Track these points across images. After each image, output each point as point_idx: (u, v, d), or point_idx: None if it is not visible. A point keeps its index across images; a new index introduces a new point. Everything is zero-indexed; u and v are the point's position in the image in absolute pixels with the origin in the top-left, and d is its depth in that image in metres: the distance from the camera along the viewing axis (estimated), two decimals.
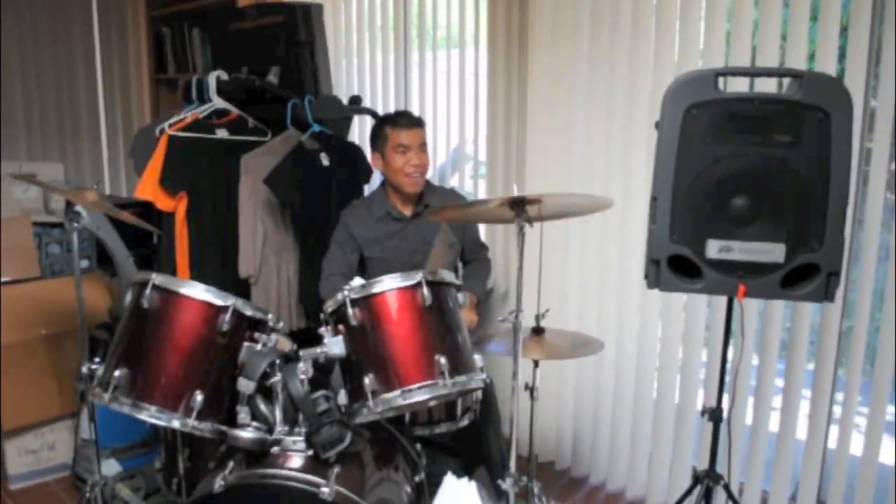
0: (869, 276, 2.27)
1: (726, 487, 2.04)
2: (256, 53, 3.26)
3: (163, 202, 2.92)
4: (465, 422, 2.22)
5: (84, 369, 2.02)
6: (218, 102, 3.07)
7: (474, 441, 2.49)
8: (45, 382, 3.01)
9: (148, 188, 2.90)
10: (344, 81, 3.73)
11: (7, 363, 2.91)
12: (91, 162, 4.50)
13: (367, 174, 3.20)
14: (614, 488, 2.91)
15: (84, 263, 3.50)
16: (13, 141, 4.14)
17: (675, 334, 2.67)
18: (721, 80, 1.79)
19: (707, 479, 2.02)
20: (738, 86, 2.17)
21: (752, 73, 2.12)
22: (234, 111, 3.12)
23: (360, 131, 3.58)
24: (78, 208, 2.73)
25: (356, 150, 3.19)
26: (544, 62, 2.84)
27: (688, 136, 1.79)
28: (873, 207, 2.24)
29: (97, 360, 1.99)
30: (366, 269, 2.67)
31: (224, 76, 3.11)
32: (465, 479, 1.63)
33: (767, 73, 2.12)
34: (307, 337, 2.12)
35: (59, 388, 3.04)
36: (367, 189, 3.20)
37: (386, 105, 3.61)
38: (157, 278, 1.82)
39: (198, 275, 2.94)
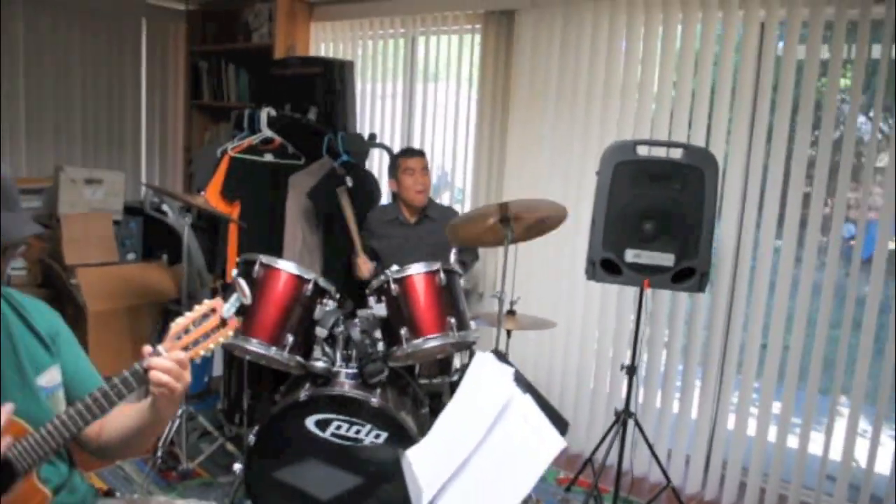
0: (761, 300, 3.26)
1: (635, 420, 3.00)
2: (297, 95, 4.16)
3: (221, 207, 3.79)
4: (455, 377, 3.15)
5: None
6: (267, 132, 3.95)
7: None
8: (123, 345, 3.83)
9: (211, 197, 3.77)
10: (368, 117, 4.64)
11: (94, 327, 3.73)
12: (132, 172, 5.29)
13: (378, 196, 4.11)
14: None
15: (131, 256, 4.34)
16: (72, 149, 4.94)
17: (610, 315, 3.65)
18: (638, 147, 2.78)
19: (623, 415, 2.98)
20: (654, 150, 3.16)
21: (656, 143, 3.09)
22: (278, 139, 4.00)
23: (378, 160, 4.50)
24: (164, 207, 3.60)
25: (372, 177, 4.12)
26: (522, 114, 3.83)
27: (616, 181, 2.78)
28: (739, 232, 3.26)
29: None
30: (377, 256, 3.58)
31: (273, 112, 3.99)
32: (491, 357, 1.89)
33: (666, 144, 3.11)
34: None
35: (134, 350, 3.87)
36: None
37: (394, 130, 4.56)
38: (262, 258, 2.72)
39: None
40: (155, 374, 1.45)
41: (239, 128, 4.06)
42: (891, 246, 3.00)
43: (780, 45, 3.16)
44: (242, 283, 1.65)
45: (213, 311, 1.52)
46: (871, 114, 3.03)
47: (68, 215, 3.90)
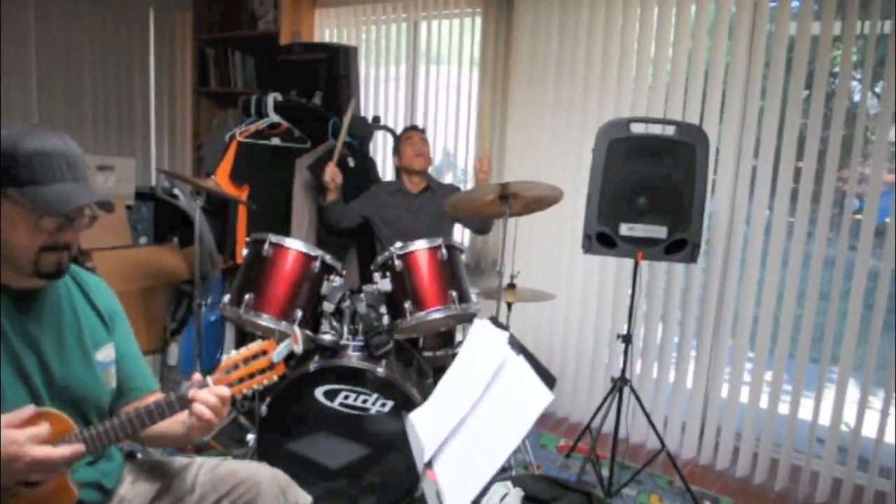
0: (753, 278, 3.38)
1: (630, 387, 3.12)
2: (302, 80, 4.27)
3: (231, 190, 3.91)
4: (458, 349, 3.27)
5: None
6: (274, 117, 4.06)
7: None
8: (138, 324, 3.97)
9: (221, 180, 3.89)
10: (372, 100, 4.75)
11: None
12: (142, 158, 5.43)
13: (375, 178, 4.23)
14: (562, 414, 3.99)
15: (143, 239, 4.47)
16: (83, 136, 5.07)
17: (608, 288, 3.77)
18: (632, 125, 2.88)
19: (619, 382, 3.10)
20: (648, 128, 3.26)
21: (649, 121, 3.18)
22: (285, 124, 4.11)
23: (382, 142, 4.61)
24: (175, 191, 3.71)
25: (371, 161, 4.23)
26: (522, 95, 3.94)
27: (610, 158, 2.89)
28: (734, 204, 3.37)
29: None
30: (375, 225, 3.69)
31: (279, 97, 4.10)
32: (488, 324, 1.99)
33: (659, 121, 3.19)
34: None
35: (148, 329, 4.01)
36: None
37: (397, 112, 4.67)
38: (272, 237, 2.84)
39: None
40: (198, 408, 1.55)
41: (246, 113, 4.17)
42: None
43: (771, 26, 3.25)
44: (298, 331, 1.72)
45: (265, 352, 1.62)
46: (860, 86, 3.13)
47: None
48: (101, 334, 1.70)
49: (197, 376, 1.60)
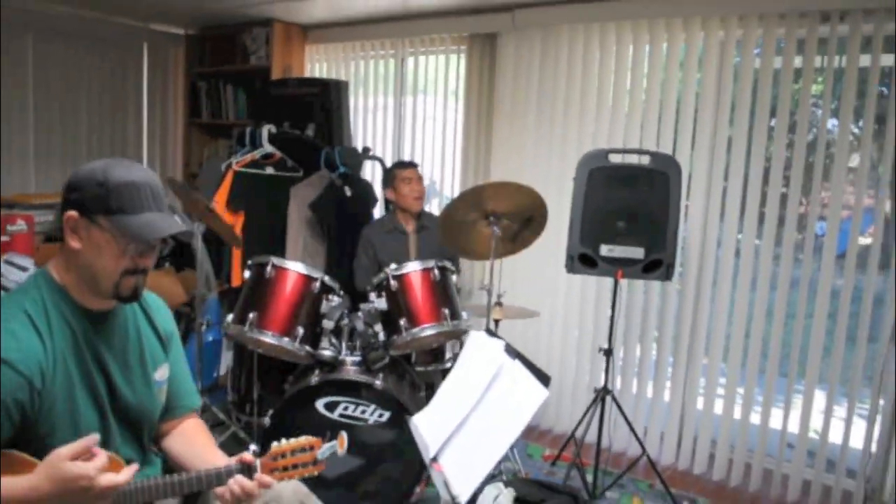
0: (724, 295, 3.61)
1: (612, 396, 3.32)
2: (295, 113, 4.48)
3: (228, 218, 4.08)
4: (448, 364, 3.45)
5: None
6: (268, 147, 4.26)
7: None
8: None
9: (218, 207, 4.06)
10: (361, 131, 4.96)
11: None
12: None
13: (374, 202, 4.42)
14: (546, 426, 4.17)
15: None
16: (79, 164, 5.21)
17: (588, 306, 3.99)
18: (610, 155, 3.12)
19: (602, 392, 3.30)
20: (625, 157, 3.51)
21: (626, 151, 3.41)
22: (278, 154, 4.31)
23: (371, 170, 4.81)
24: (176, 218, 3.86)
25: (368, 185, 4.43)
26: (505, 127, 4.17)
27: (591, 185, 3.12)
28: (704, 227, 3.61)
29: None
30: (380, 266, 3.87)
31: (273, 129, 4.30)
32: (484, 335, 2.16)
33: (635, 151, 3.40)
34: None
35: None
36: (377, 212, 4.42)
37: (385, 143, 4.89)
38: (274, 260, 3.02)
39: None
40: (236, 490, 1.63)
41: (241, 143, 4.37)
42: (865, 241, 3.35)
43: (737, 59, 3.52)
44: (345, 436, 1.77)
45: (311, 448, 1.72)
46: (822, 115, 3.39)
47: None
48: (159, 354, 1.82)
49: (246, 457, 1.68)
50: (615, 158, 3.18)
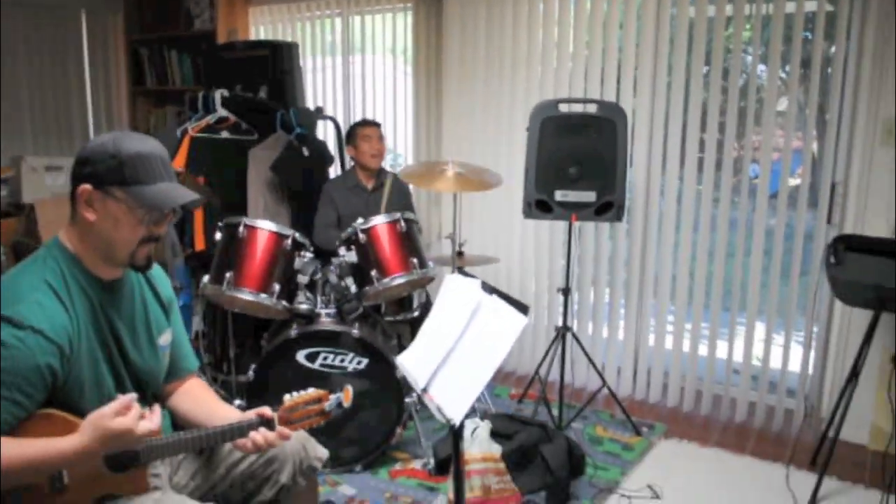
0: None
1: (572, 333, 3.55)
2: (246, 76, 4.50)
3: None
4: (416, 313, 3.62)
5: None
6: (222, 112, 4.28)
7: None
8: None
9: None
10: (310, 91, 5.01)
11: None
12: None
13: (329, 160, 4.51)
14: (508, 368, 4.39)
15: None
16: (23, 139, 5.15)
17: (543, 251, 4.19)
18: (560, 105, 3.29)
19: (562, 329, 3.52)
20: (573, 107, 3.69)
21: (574, 100, 3.58)
22: (232, 118, 4.33)
23: (323, 130, 4.88)
24: None
25: (323, 144, 4.51)
26: (453, 85, 4.29)
27: (543, 134, 3.30)
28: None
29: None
30: (340, 222, 3.99)
31: (226, 93, 4.32)
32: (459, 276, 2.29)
33: (583, 101, 3.58)
34: None
35: None
36: (332, 171, 4.52)
37: (336, 102, 4.96)
38: (246, 220, 3.11)
39: (210, 232, 4.13)
40: (257, 440, 1.78)
41: (193, 109, 4.37)
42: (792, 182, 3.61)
43: (673, 10, 3.70)
44: (351, 390, 1.97)
45: (320, 400, 1.90)
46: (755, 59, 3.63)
47: (43, 200, 4.18)
48: (162, 321, 1.91)
49: (266, 411, 1.83)
50: (564, 108, 3.35)
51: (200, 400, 2.01)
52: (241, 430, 1.81)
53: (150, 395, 1.91)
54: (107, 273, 1.74)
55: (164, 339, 1.92)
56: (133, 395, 1.61)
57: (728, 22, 3.59)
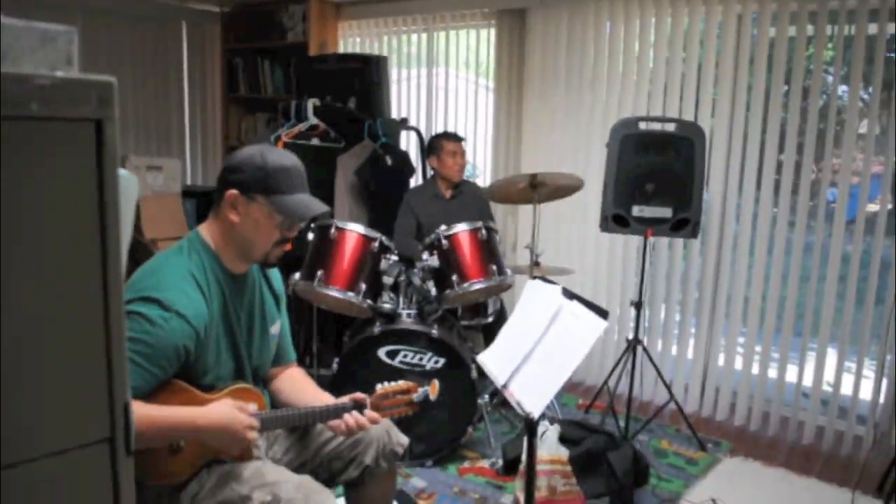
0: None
1: (643, 346, 3.63)
2: (337, 87, 4.74)
3: None
4: (490, 319, 3.76)
5: None
6: (313, 120, 4.52)
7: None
8: None
9: None
10: (395, 103, 5.23)
11: None
12: (178, 158, 5.87)
13: (411, 171, 4.70)
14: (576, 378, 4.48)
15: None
16: (125, 141, 5.51)
17: (617, 264, 4.28)
18: (641, 123, 3.40)
19: (633, 342, 3.61)
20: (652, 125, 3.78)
21: (654, 119, 3.69)
22: (322, 126, 4.57)
23: (406, 140, 5.08)
24: None
25: (406, 155, 4.70)
26: (534, 99, 4.44)
27: (623, 151, 3.41)
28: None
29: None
30: (420, 230, 4.17)
31: (317, 102, 4.56)
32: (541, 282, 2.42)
33: (663, 119, 3.69)
34: None
35: None
36: (412, 181, 4.70)
37: (419, 114, 5.17)
38: (337, 222, 3.31)
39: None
40: (350, 422, 1.97)
41: (286, 117, 4.63)
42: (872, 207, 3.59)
43: (754, 30, 3.75)
44: (437, 383, 2.18)
45: (409, 391, 2.10)
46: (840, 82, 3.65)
47: (145, 197, 4.49)
48: (274, 312, 2.10)
49: (360, 395, 2.02)
50: (644, 126, 3.46)
51: (301, 386, 2.21)
52: (336, 411, 2.00)
53: (260, 378, 2.11)
54: (238, 268, 1.95)
55: (275, 329, 2.11)
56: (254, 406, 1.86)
57: (809, 41, 3.62)
